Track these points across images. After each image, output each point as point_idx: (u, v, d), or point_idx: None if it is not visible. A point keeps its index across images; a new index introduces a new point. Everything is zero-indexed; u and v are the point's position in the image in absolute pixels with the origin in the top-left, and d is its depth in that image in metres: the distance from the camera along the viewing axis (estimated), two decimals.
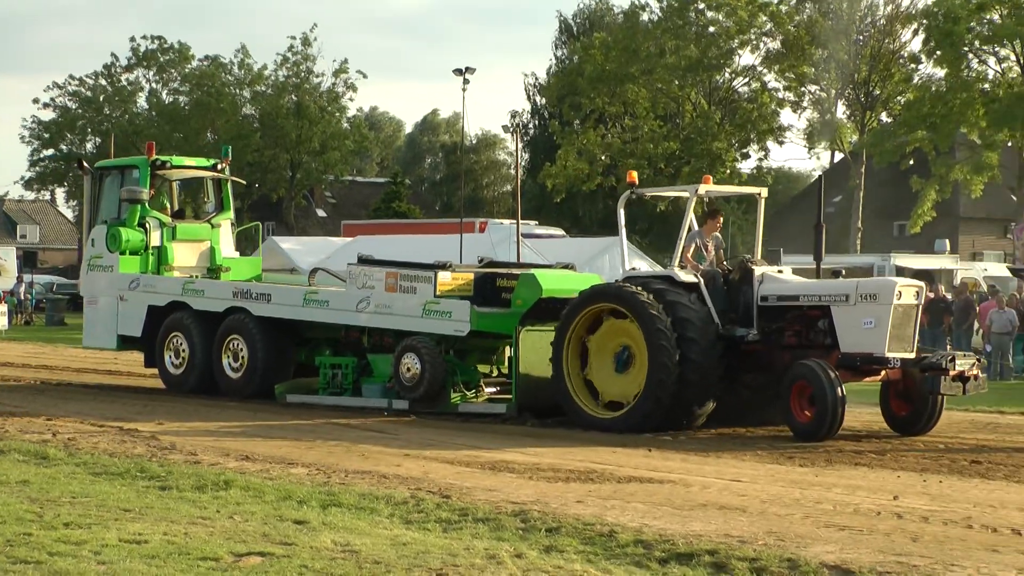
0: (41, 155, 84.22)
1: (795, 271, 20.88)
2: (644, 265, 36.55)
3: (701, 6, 62.54)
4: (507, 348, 22.29)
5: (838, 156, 69.72)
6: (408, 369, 21.43)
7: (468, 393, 21.78)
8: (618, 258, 42.48)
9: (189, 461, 15.80)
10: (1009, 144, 51.72)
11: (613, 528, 11.66)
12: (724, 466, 16.25)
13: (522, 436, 19.10)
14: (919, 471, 15.98)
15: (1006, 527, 12.17)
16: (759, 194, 21.49)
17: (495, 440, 18.54)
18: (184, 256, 26.05)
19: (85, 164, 27.47)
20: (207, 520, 11.92)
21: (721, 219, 21.17)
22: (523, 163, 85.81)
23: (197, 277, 25.51)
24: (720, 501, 13.42)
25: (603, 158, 62.72)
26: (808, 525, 12.12)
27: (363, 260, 23.18)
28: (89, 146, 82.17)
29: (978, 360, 19.36)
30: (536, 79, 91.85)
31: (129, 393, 25.15)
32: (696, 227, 20.86)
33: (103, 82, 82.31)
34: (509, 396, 21.32)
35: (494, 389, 22.15)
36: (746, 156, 67.73)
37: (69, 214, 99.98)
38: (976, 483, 15.14)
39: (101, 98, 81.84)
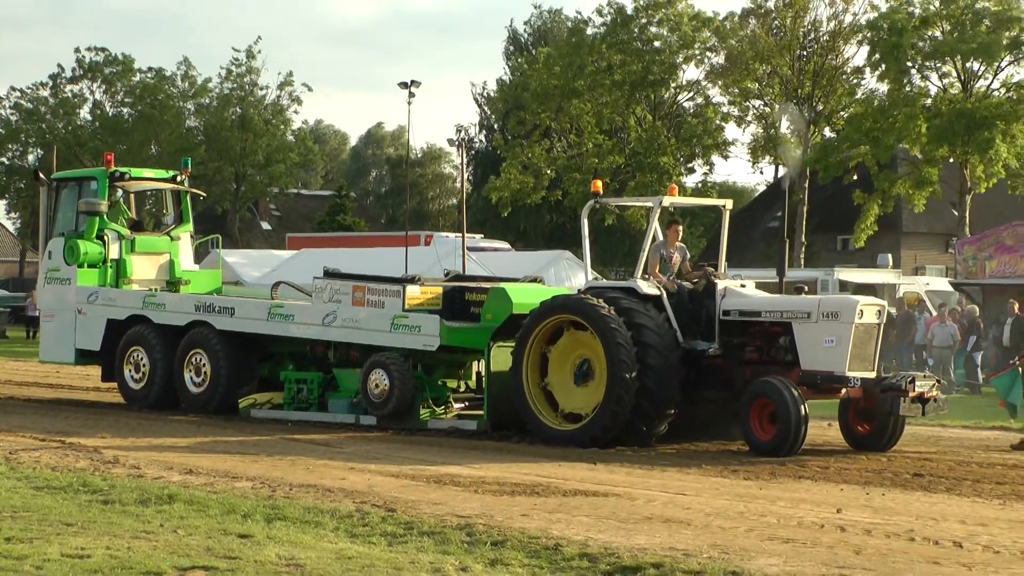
0: None
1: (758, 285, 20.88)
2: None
3: (644, 21, 62.74)
4: (475, 363, 22.23)
5: (781, 170, 70.07)
6: (376, 385, 21.30)
7: (437, 409, 21.67)
8: (564, 271, 42.92)
9: (132, 475, 15.71)
10: (951, 160, 52.14)
11: (558, 541, 11.67)
12: (669, 479, 16.30)
13: (467, 450, 19.09)
14: (862, 484, 16.08)
15: (948, 540, 12.27)
16: (724, 206, 21.43)
17: (440, 454, 18.52)
18: (143, 269, 25.79)
19: (42, 175, 27.14)
20: (150, 534, 11.86)
21: (679, 229, 21.03)
22: (469, 177, 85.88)
23: (157, 290, 25.27)
24: (665, 514, 13.46)
25: (548, 172, 62.77)
26: (752, 538, 12.18)
27: (329, 274, 23.00)
28: (31, 158, 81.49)
29: (938, 381, 19.46)
30: (485, 89, 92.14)
31: (71, 407, 24.97)
32: (660, 238, 20.85)
33: (44, 93, 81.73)
34: (479, 412, 21.26)
35: (462, 405, 22.04)
36: (691, 171, 68.01)
37: (11, 226, 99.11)
38: (918, 496, 15.26)
39: (42, 109, 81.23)
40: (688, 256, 20.94)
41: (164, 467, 16.45)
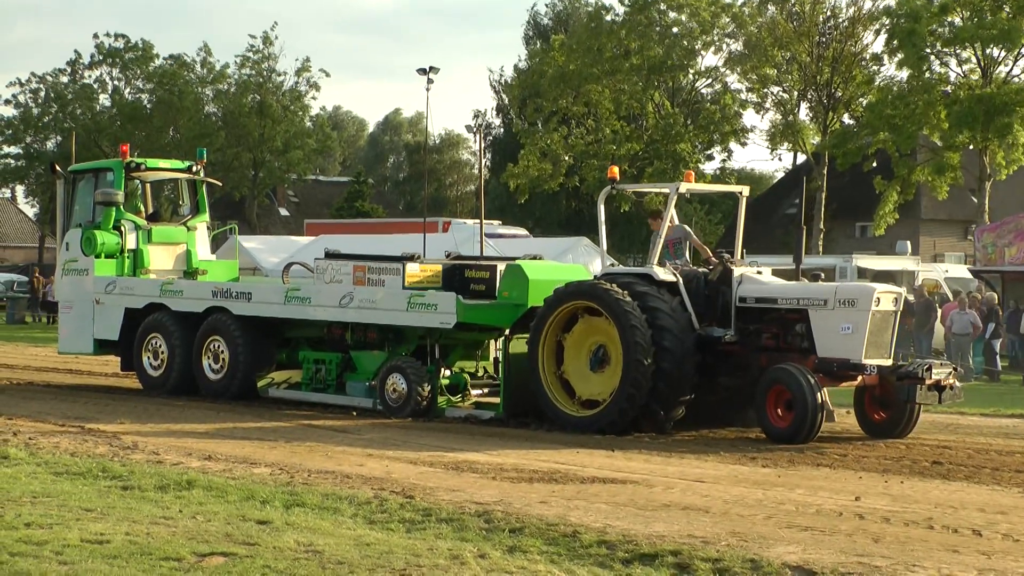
0: (1, 152, 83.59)
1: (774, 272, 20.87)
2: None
3: (663, 7, 62.62)
4: (492, 343, 22.29)
5: (800, 157, 69.91)
6: (394, 389, 21.34)
7: (454, 397, 21.71)
8: (582, 258, 42.86)
9: (151, 461, 15.75)
10: (970, 147, 51.94)
11: (576, 528, 11.68)
12: (687, 467, 16.30)
13: (485, 436, 19.10)
14: (881, 472, 16.06)
15: (967, 528, 12.25)
16: (740, 193, 21.42)
17: (458, 440, 18.53)
18: (160, 259, 25.86)
19: (58, 168, 27.18)
20: (169, 520, 11.89)
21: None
22: (486, 163, 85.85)
23: (174, 279, 25.35)
24: (683, 502, 13.46)
25: (566, 159, 62.74)
26: (771, 526, 12.17)
27: (330, 254, 23.12)
28: (50, 144, 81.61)
29: (955, 369, 19.44)
30: (502, 75, 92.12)
31: (91, 392, 25.03)
32: (676, 221, 20.87)
33: (64, 80, 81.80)
34: (496, 399, 21.28)
35: (481, 391, 22.04)
36: (710, 158, 67.93)
37: (30, 212, 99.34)
38: (937, 484, 15.23)
39: (68, 95, 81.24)
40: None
41: (183, 453, 16.49)
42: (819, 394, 18.26)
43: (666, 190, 21.31)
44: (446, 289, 21.63)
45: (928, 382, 18.59)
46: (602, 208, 21.23)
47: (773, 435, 18.66)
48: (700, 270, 20.27)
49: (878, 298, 18.86)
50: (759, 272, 20.21)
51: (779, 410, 18.67)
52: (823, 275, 21.55)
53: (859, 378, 18.90)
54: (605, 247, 22.04)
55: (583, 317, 19.95)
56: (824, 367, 18.78)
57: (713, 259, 20.40)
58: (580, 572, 10.33)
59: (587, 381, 19.97)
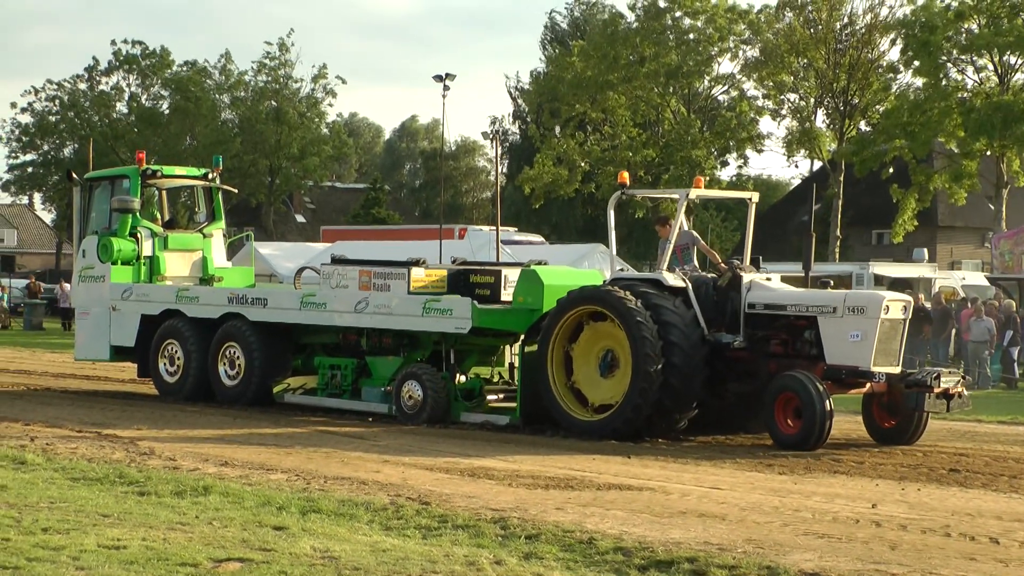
0: (19, 159, 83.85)
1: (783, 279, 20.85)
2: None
3: (678, 13, 62.66)
4: (507, 348, 22.29)
5: (817, 164, 69.81)
6: (410, 396, 21.35)
7: (470, 403, 21.68)
8: (598, 265, 42.86)
9: (168, 467, 15.76)
10: (988, 153, 51.83)
11: (592, 535, 11.66)
12: (703, 474, 16.27)
13: (501, 443, 19.09)
14: (898, 479, 16.03)
15: (984, 535, 12.21)
16: (750, 199, 21.39)
17: (474, 447, 18.52)
18: (176, 266, 25.90)
19: (74, 175, 27.25)
20: (186, 526, 11.90)
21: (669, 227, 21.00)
22: (503, 169, 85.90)
23: (190, 286, 25.39)
24: (699, 509, 13.44)
25: (582, 165, 62.78)
26: (787, 533, 12.15)
27: (336, 260, 23.15)
28: (67, 151, 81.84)
29: (963, 377, 19.42)
30: (519, 81, 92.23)
31: (107, 398, 25.07)
32: (685, 228, 20.88)
33: (82, 86, 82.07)
34: (512, 404, 21.29)
35: (496, 397, 22.00)
36: (725, 164, 67.87)
37: (47, 218, 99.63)
38: (954, 491, 15.20)
39: (84, 101, 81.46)
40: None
41: (199, 459, 16.50)
42: (827, 401, 18.24)
43: (676, 195, 21.32)
44: (452, 294, 21.67)
45: (936, 390, 18.59)
46: (612, 213, 21.26)
47: (781, 442, 18.63)
48: (709, 275, 20.25)
49: (887, 306, 18.85)
50: (768, 279, 20.20)
51: (788, 418, 18.64)
52: (832, 282, 21.55)
53: (867, 385, 18.88)
54: (615, 252, 22.05)
55: (588, 324, 19.93)
56: (833, 374, 18.75)
57: (721, 264, 20.42)
58: None
59: (598, 387, 19.95)
